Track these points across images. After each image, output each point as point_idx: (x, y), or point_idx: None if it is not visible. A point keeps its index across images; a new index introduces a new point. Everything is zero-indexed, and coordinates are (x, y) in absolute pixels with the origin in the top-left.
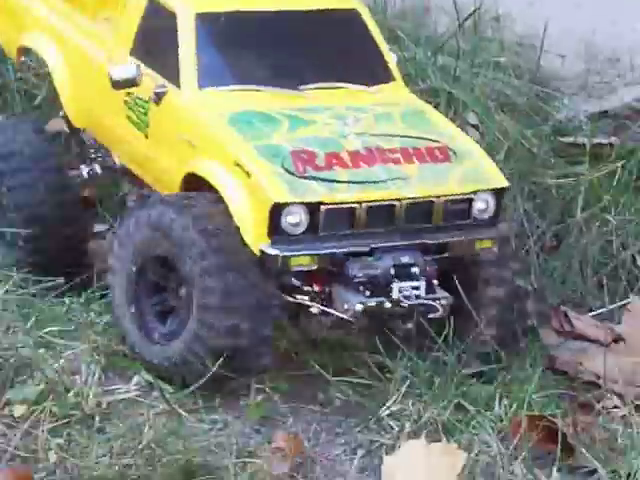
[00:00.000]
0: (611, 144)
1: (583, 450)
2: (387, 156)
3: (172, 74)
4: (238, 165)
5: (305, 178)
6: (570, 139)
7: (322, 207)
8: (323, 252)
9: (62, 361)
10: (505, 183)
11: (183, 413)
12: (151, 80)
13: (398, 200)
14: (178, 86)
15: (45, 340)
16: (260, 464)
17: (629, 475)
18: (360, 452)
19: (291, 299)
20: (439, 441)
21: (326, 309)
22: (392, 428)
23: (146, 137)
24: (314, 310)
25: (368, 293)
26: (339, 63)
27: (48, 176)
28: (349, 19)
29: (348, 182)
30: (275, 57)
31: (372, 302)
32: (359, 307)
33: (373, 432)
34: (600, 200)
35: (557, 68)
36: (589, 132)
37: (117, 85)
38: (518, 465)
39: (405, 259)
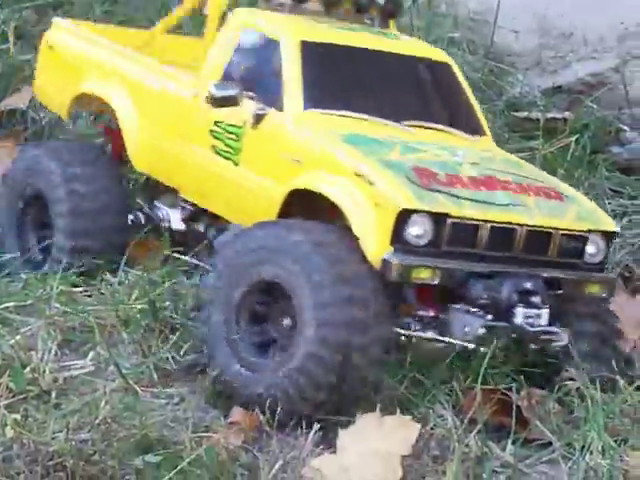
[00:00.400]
0: (565, 119)
1: (538, 423)
2: (505, 185)
3: (271, 97)
4: (359, 175)
5: (430, 190)
6: (524, 114)
7: (448, 220)
8: (446, 267)
9: (18, 337)
10: (616, 227)
11: (139, 389)
12: (246, 104)
13: (520, 225)
14: (280, 109)
15: (1, 316)
16: (216, 438)
17: (583, 447)
18: (315, 426)
19: (407, 332)
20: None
21: (443, 338)
22: None
23: (235, 164)
24: (429, 336)
25: (490, 317)
26: (435, 109)
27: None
28: (442, 71)
29: (472, 200)
30: (372, 91)
31: (496, 326)
32: (481, 331)
33: None
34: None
35: (511, 43)
36: (543, 107)
37: (217, 102)
38: (473, 438)
39: (528, 286)
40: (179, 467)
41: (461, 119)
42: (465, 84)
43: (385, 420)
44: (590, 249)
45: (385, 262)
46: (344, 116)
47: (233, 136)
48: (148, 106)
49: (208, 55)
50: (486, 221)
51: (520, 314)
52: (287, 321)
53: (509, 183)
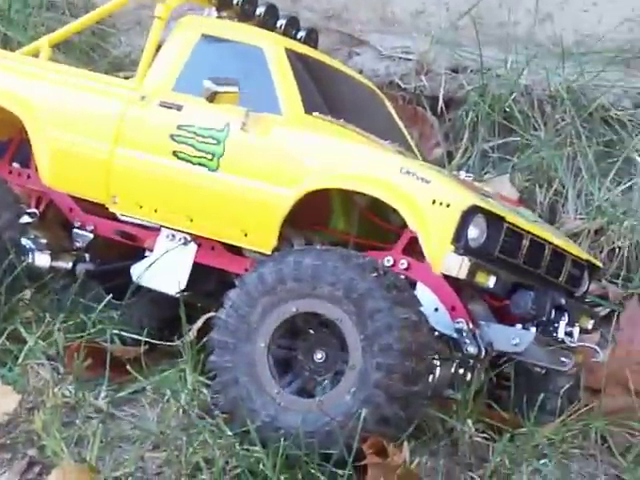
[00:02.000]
0: None
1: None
2: (514, 202)
3: (256, 101)
4: (408, 173)
5: (483, 195)
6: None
7: (504, 224)
8: (503, 273)
9: None
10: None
11: None
12: (226, 107)
13: (547, 242)
14: (276, 112)
15: None
16: None
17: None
18: None
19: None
20: None
21: (484, 351)
22: None
23: (212, 170)
24: (472, 349)
25: (533, 329)
26: (391, 131)
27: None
28: (382, 100)
29: (510, 209)
30: (347, 106)
31: (543, 340)
32: (527, 343)
33: None
34: None
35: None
36: None
37: (212, 98)
38: (67, 387)
39: (562, 302)
40: None
41: (406, 145)
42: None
43: None
44: (585, 280)
45: (453, 260)
46: (339, 125)
47: (210, 139)
48: (65, 111)
49: (156, 60)
50: (528, 232)
51: (562, 329)
52: (320, 355)
53: (512, 201)
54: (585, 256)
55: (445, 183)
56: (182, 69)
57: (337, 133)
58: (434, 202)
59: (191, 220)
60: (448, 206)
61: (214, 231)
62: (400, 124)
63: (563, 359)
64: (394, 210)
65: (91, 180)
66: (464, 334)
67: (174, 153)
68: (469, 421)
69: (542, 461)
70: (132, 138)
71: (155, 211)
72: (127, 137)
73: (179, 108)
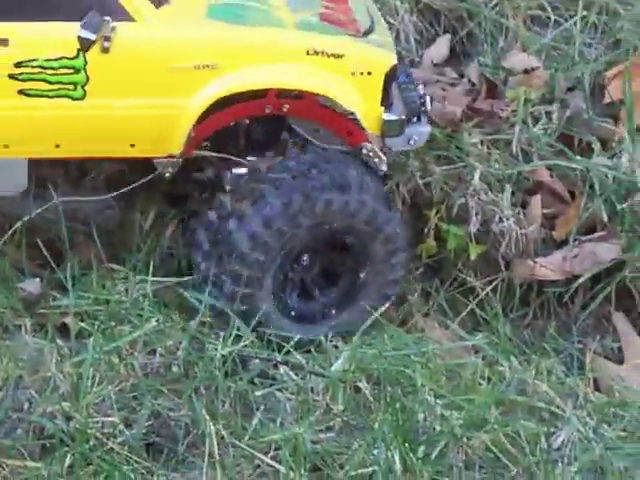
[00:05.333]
0: None
1: None
2: None
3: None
4: (316, 53)
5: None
6: None
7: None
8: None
9: None
10: None
11: None
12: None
13: None
14: (129, 19)
15: None
16: None
17: None
18: None
19: None
20: None
21: None
22: None
23: (78, 99)
24: (384, 167)
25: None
26: None
27: None
28: None
29: None
30: None
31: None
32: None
33: None
34: None
35: None
36: None
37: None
38: None
39: None
40: None
41: None
42: None
43: None
44: None
45: (394, 122)
46: (193, 15)
47: (65, 70)
48: None
49: None
50: None
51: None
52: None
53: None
54: None
55: (354, 48)
56: None
57: (206, 25)
58: (352, 74)
59: (57, 146)
60: (369, 74)
61: (86, 151)
62: None
63: None
64: None
65: None
66: (372, 155)
67: (21, 92)
68: None
69: None
70: None
71: (5, 147)
72: None
73: (4, 43)
